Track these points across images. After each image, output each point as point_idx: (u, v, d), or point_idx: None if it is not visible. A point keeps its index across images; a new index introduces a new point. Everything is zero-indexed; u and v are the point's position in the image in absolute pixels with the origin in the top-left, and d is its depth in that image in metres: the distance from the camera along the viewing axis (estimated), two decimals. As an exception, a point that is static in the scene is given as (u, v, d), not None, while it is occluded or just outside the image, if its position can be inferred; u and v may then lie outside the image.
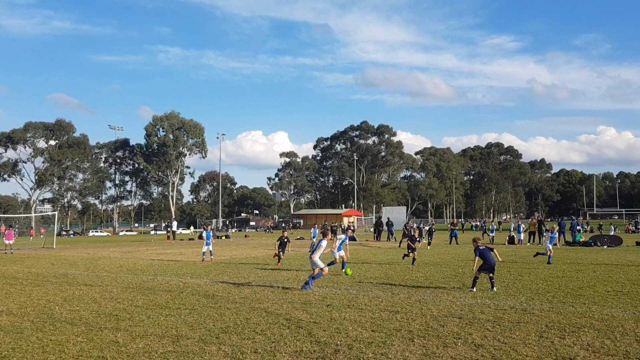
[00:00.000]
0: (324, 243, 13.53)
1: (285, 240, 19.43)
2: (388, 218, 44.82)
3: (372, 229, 52.57)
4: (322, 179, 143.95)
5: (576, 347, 6.92)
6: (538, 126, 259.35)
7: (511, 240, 34.62)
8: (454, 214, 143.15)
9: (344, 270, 15.94)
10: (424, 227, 40.35)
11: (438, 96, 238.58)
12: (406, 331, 7.95)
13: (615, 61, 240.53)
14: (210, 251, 20.90)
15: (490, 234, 36.75)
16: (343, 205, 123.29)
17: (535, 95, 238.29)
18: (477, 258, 12.57)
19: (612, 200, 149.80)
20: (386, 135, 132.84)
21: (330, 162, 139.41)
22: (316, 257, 12.99)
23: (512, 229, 36.25)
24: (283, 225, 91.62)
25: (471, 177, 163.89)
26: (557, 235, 22.93)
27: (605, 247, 30.46)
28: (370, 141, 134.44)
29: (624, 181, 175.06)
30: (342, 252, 16.56)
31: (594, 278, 14.61)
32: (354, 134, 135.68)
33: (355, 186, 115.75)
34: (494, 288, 12.29)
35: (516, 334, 7.69)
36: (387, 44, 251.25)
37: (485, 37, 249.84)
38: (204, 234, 21.60)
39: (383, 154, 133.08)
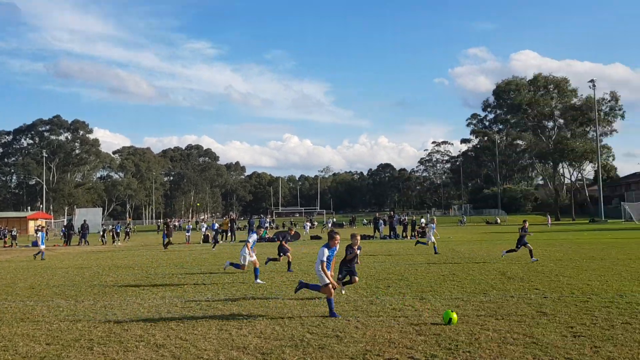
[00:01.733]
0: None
1: None
2: (84, 221, 41.78)
3: (61, 233, 48.26)
4: (3, 178, 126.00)
5: (250, 336, 7.57)
6: (234, 131, 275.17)
7: (205, 239, 35.90)
8: (154, 215, 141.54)
9: (257, 280, 13.36)
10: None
11: (139, 94, 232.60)
12: (86, 340, 7.55)
13: (298, 77, 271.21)
14: None
15: (187, 234, 37.56)
16: (29, 207, 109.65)
17: (232, 101, 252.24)
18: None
19: (295, 200, 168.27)
20: (81, 132, 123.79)
21: (14, 158, 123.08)
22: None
23: (204, 229, 37.62)
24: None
25: (171, 177, 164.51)
26: (435, 226, 23.63)
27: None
28: (63, 137, 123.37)
29: (304, 183, 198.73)
30: (254, 257, 14.11)
31: (273, 270, 16.20)
32: (43, 129, 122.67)
33: (44, 186, 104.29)
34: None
35: (198, 330, 8.04)
36: (84, 35, 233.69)
37: (185, 41, 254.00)
38: None
39: (78, 151, 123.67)
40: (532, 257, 17.16)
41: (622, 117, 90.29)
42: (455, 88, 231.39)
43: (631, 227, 47.27)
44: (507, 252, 18.16)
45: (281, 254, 16.34)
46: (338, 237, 9.30)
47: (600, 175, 79.81)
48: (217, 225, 37.48)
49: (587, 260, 17.06)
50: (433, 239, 22.39)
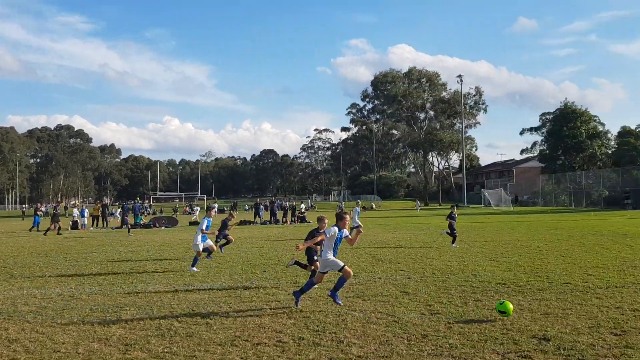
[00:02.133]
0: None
1: None
2: None
3: None
4: None
5: (114, 327, 7.24)
6: (110, 111, 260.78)
7: (74, 226, 33.78)
8: (18, 200, 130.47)
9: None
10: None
11: (2, 68, 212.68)
12: None
13: (180, 57, 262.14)
14: None
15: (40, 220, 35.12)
16: None
17: (108, 80, 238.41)
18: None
19: (175, 184, 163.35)
20: None
21: None
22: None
23: (76, 215, 35.32)
24: None
25: (38, 159, 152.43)
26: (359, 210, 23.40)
27: (163, 227, 33.06)
28: None
29: (185, 167, 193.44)
30: (209, 242, 13.63)
31: (147, 258, 15.66)
32: None
33: None
34: None
35: (57, 322, 7.54)
36: None
37: (56, 14, 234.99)
38: None
39: None
40: (453, 242, 17.42)
41: (485, 110, 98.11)
42: (337, 77, 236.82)
43: (489, 212, 51.66)
44: (453, 243, 17.49)
45: (220, 239, 16.70)
46: (348, 217, 8.49)
47: (464, 164, 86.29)
48: (87, 211, 35.32)
49: (449, 243, 18.37)
50: (359, 222, 23.00)
